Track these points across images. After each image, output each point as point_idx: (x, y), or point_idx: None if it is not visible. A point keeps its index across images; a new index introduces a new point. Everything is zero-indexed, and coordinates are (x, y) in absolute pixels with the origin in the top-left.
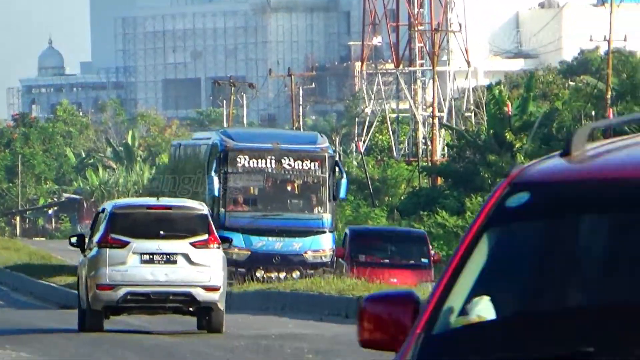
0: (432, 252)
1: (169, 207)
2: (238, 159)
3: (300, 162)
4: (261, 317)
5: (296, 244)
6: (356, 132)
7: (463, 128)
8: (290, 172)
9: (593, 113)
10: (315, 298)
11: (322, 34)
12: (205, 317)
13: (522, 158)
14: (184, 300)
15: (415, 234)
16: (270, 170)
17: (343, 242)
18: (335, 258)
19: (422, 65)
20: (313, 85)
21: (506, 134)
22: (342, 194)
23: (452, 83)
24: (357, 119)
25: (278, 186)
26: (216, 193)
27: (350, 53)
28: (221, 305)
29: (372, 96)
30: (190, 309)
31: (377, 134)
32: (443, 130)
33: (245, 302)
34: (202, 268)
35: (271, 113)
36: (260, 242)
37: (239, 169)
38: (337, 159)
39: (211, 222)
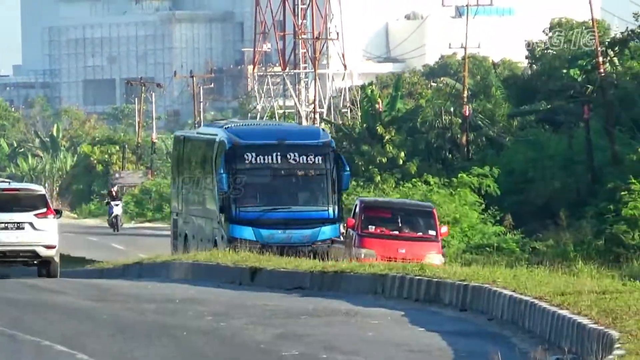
0: (440, 226)
1: (18, 189)
2: (245, 156)
3: (305, 157)
4: (167, 285)
5: (305, 235)
6: None
7: (340, 122)
8: (296, 167)
9: (452, 109)
10: (213, 268)
11: (219, 42)
12: (45, 267)
13: (391, 148)
14: (30, 256)
15: (424, 207)
16: (276, 165)
17: (353, 213)
18: (345, 229)
19: (305, 68)
20: (212, 85)
21: (377, 127)
22: (345, 185)
23: (330, 83)
24: (249, 114)
25: (284, 180)
26: (226, 189)
27: (244, 58)
28: (57, 259)
29: (263, 95)
30: (35, 262)
31: None
32: (323, 124)
33: (154, 271)
34: (42, 232)
35: (176, 109)
36: (270, 235)
37: (246, 166)
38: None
39: (48, 199)
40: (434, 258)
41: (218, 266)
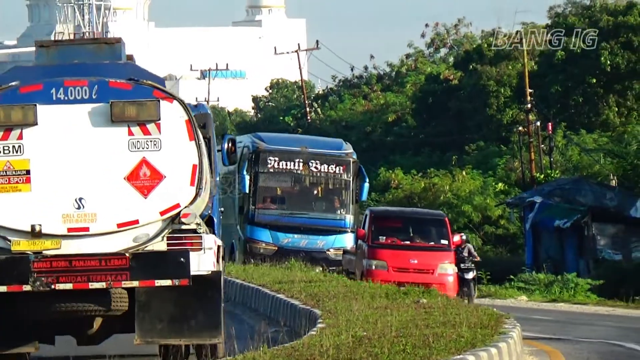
0: (452, 234)
1: None
2: (268, 160)
3: (326, 166)
4: None
5: (320, 242)
6: None
7: None
8: (317, 175)
9: None
10: None
11: None
12: None
13: None
14: None
15: (436, 216)
16: (298, 172)
17: (363, 223)
18: (356, 239)
19: None
20: None
21: None
22: (364, 196)
23: None
24: None
25: (305, 187)
26: (246, 190)
27: None
28: None
29: None
30: None
31: None
32: None
33: None
34: None
35: None
36: (287, 239)
37: (268, 169)
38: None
39: None
40: (447, 268)
41: None
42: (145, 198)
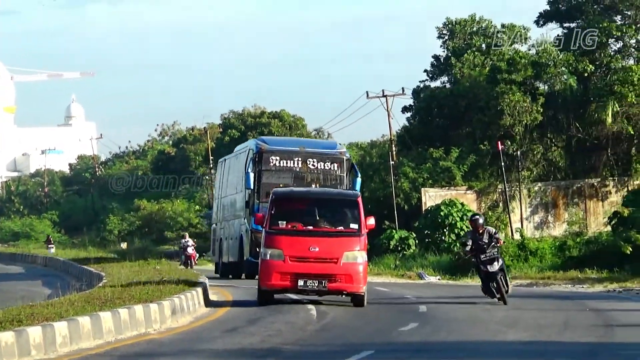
0: (366, 217)
1: None
2: (270, 159)
3: (322, 163)
4: None
5: None
6: None
7: None
8: (314, 171)
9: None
10: None
11: None
12: None
13: None
14: None
15: (346, 197)
16: (297, 169)
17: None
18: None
19: None
20: None
21: None
22: (357, 189)
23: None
24: None
25: (303, 182)
26: (251, 186)
27: None
28: None
29: None
30: None
31: None
32: None
33: None
34: None
35: None
36: None
37: (270, 167)
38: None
39: None
40: (355, 256)
41: None
42: None
